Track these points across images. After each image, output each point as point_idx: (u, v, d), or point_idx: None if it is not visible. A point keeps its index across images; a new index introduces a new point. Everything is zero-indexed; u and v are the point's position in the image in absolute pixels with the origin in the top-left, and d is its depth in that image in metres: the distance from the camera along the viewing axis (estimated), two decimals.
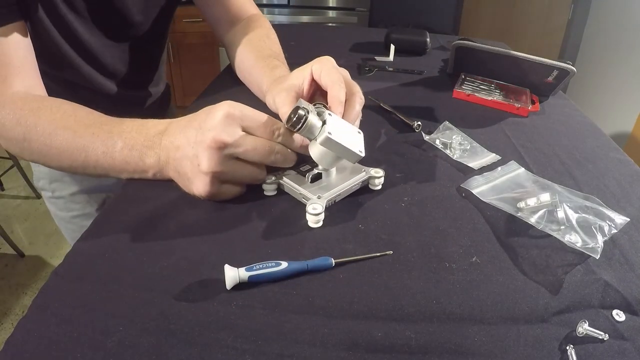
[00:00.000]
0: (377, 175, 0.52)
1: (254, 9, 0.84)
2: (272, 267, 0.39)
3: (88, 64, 0.68)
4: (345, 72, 0.54)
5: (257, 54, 0.72)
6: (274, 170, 0.51)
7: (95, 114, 0.51)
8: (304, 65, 0.55)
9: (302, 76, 0.54)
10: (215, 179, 0.45)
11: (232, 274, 0.38)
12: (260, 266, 0.39)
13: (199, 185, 0.45)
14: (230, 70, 0.85)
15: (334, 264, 0.42)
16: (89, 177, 0.80)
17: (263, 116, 0.46)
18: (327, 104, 0.52)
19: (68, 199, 0.83)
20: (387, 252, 0.44)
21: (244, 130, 0.45)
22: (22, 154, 0.54)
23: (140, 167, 0.48)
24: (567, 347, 0.36)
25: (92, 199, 0.83)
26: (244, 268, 0.39)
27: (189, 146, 0.44)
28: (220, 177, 0.45)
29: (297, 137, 0.48)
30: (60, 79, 0.68)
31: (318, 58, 0.55)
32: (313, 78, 0.54)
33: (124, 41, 0.71)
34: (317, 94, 0.57)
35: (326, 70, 0.52)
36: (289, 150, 0.48)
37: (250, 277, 0.39)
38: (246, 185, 0.49)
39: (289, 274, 0.40)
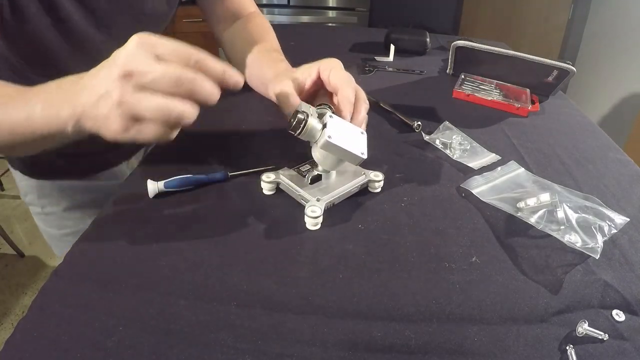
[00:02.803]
0: (377, 179, 0.52)
1: (252, 7, 0.84)
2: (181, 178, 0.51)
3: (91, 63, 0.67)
4: (351, 76, 0.55)
5: (259, 48, 0.72)
6: (271, 167, 0.51)
7: (16, 88, 0.46)
8: (311, 63, 0.56)
9: (307, 72, 0.55)
10: (127, 114, 0.39)
11: (152, 187, 0.49)
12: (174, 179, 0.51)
13: (111, 124, 0.39)
14: None
15: (229, 176, 0.54)
16: (80, 192, 0.76)
17: (179, 44, 0.41)
18: (331, 104, 0.52)
19: (60, 215, 0.78)
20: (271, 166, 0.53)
21: (158, 58, 0.39)
22: None
23: (59, 124, 0.42)
24: (567, 347, 0.36)
25: (86, 214, 0.77)
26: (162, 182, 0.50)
27: (99, 85, 0.39)
28: (132, 111, 0.39)
29: (218, 65, 0.42)
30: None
31: (325, 59, 0.55)
32: (319, 77, 0.55)
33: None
34: (319, 94, 0.57)
35: (336, 70, 0.53)
36: (209, 80, 0.41)
37: (165, 184, 0.50)
38: (172, 128, 0.42)
39: (194, 182, 0.51)
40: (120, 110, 0.39)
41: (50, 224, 0.80)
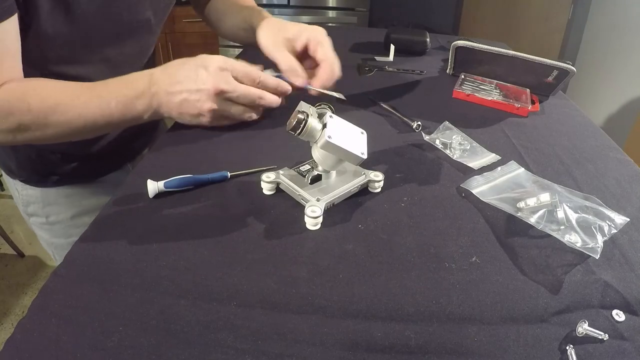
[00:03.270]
0: (377, 179, 0.52)
1: None
2: (181, 178, 0.52)
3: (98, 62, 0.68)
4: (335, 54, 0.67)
5: (240, 6, 0.81)
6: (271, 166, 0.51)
7: (78, 84, 0.56)
8: (295, 28, 0.68)
9: (298, 36, 0.66)
10: (215, 115, 0.59)
11: (152, 187, 0.50)
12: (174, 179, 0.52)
13: (201, 120, 0.59)
14: None
15: (229, 176, 0.54)
16: (88, 197, 0.76)
17: (247, 67, 0.59)
18: (314, 62, 0.66)
19: (67, 223, 0.77)
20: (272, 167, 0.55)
21: (237, 79, 0.57)
22: (15, 140, 0.56)
23: (135, 115, 0.57)
24: (567, 347, 0.36)
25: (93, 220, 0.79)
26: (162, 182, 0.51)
27: (189, 93, 0.55)
28: (218, 114, 0.59)
29: (271, 81, 0.61)
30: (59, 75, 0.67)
31: (310, 27, 0.68)
32: (305, 45, 0.66)
33: (131, 37, 0.71)
34: (302, 60, 0.67)
35: (323, 48, 0.66)
36: (270, 94, 0.61)
37: (165, 184, 0.51)
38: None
39: (193, 182, 0.52)
40: (212, 114, 0.58)
41: (55, 233, 0.78)
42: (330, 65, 0.65)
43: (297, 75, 0.64)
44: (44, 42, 0.57)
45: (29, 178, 0.74)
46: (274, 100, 0.61)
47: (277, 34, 0.68)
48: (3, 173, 0.76)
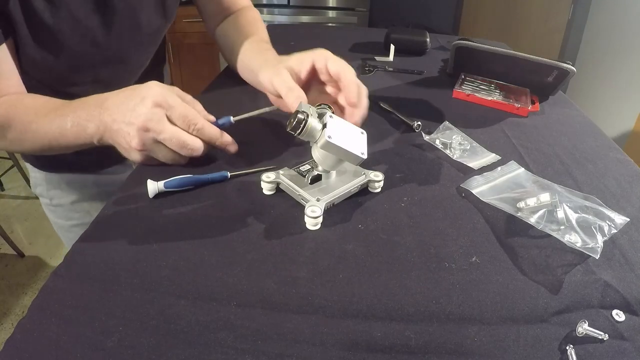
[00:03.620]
0: (377, 179, 0.52)
1: (245, 1, 0.85)
2: (181, 178, 0.52)
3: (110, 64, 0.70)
4: (347, 64, 0.58)
5: (249, 40, 0.75)
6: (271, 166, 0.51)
7: (52, 102, 0.57)
8: (301, 53, 0.59)
9: (301, 63, 0.58)
10: (143, 153, 0.53)
11: (152, 187, 0.50)
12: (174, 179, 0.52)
13: (131, 156, 0.54)
14: (230, 70, 0.85)
15: (229, 176, 0.53)
16: (89, 185, 0.80)
17: (185, 108, 0.52)
18: (327, 96, 0.57)
19: (68, 207, 0.81)
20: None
21: (168, 118, 0.52)
22: (7, 148, 0.62)
23: (86, 138, 0.55)
24: (567, 347, 0.36)
25: (92, 207, 0.81)
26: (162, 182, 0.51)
27: (123, 124, 0.51)
28: (147, 153, 0.54)
29: (211, 132, 0.54)
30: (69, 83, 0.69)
31: (316, 49, 0.59)
32: (312, 68, 0.57)
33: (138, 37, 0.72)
34: (312, 87, 0.59)
35: (332, 59, 0.56)
36: (195, 140, 0.53)
37: (165, 184, 0.51)
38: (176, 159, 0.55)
39: (193, 182, 0.52)
40: (139, 151, 0.53)
41: (58, 215, 0.83)
42: (352, 82, 0.55)
43: (293, 94, 0.54)
44: (32, 66, 0.61)
45: (35, 162, 0.79)
46: (197, 147, 0.53)
47: (276, 65, 0.60)
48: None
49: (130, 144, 0.52)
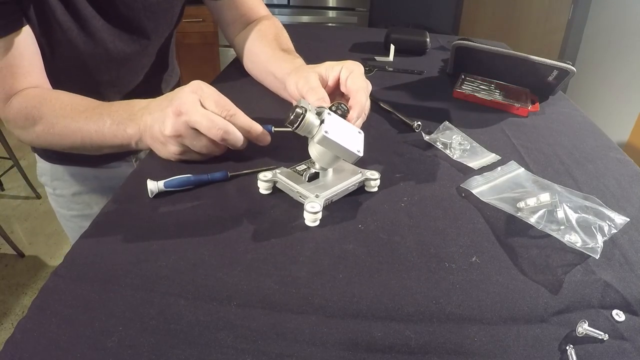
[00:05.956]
0: (373, 177, 0.52)
1: (264, 11, 0.85)
2: (181, 178, 0.51)
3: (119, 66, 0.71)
4: (369, 84, 0.59)
5: (274, 47, 0.75)
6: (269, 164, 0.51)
7: (88, 101, 0.58)
8: (335, 62, 0.60)
9: (331, 70, 0.59)
10: (177, 143, 0.52)
11: (152, 187, 0.49)
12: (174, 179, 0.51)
13: (169, 150, 0.53)
14: (231, 69, 0.85)
15: (229, 176, 0.53)
16: (90, 178, 0.82)
17: (220, 97, 0.52)
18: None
19: (69, 198, 0.83)
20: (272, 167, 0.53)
21: (202, 105, 0.51)
22: (32, 142, 0.63)
23: (125, 138, 0.55)
24: (567, 347, 0.36)
25: (92, 200, 0.83)
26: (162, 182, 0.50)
27: (158, 113, 0.52)
28: (181, 142, 0.52)
29: (245, 122, 0.53)
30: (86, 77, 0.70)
31: (349, 61, 0.59)
32: (339, 77, 0.58)
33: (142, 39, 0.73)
34: (336, 94, 0.60)
35: (354, 75, 0.57)
36: (237, 131, 0.52)
37: (165, 184, 0.50)
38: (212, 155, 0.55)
39: (193, 182, 0.51)
40: (173, 139, 0.52)
41: (60, 204, 0.86)
42: (359, 104, 0.55)
43: (315, 94, 0.54)
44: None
45: (43, 153, 0.81)
46: (238, 138, 0.53)
47: (307, 70, 0.60)
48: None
49: (164, 133, 0.51)
